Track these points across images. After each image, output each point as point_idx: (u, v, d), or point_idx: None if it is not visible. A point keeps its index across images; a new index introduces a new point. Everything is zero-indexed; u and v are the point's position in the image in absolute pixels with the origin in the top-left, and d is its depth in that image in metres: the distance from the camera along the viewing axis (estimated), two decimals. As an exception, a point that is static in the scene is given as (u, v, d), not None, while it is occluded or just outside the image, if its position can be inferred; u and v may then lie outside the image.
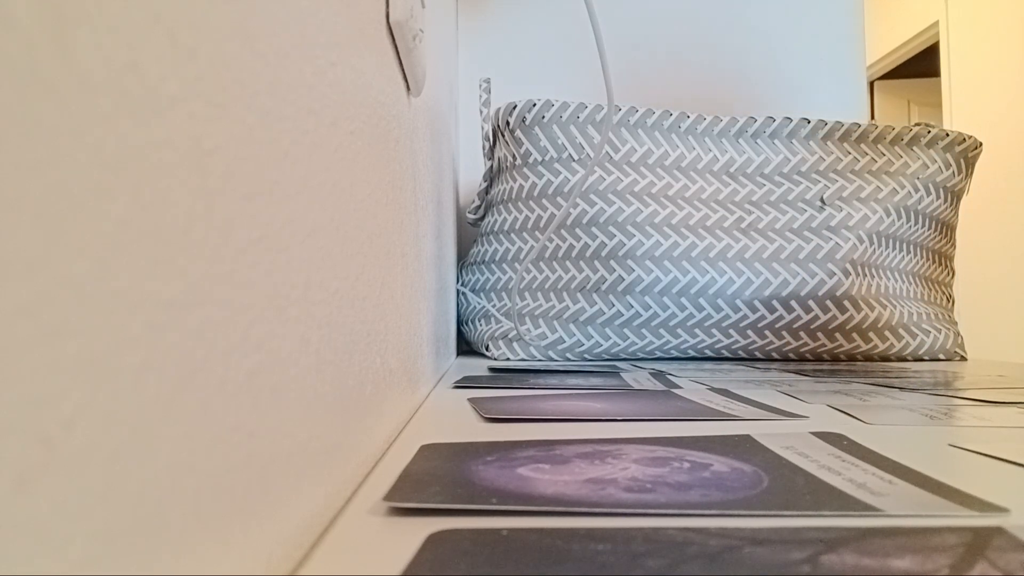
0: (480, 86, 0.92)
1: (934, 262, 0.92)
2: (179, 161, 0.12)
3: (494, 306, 0.85)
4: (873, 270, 0.83)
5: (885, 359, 0.84)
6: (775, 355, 0.82)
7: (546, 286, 0.82)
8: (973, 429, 0.35)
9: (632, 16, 1.10)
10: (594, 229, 0.80)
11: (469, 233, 1.08)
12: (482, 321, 0.85)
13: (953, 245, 0.95)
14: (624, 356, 0.82)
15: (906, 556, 0.17)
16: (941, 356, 0.87)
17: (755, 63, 1.11)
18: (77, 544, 0.09)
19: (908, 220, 0.86)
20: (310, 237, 0.19)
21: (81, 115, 0.09)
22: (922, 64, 3.45)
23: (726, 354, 0.82)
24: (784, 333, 0.81)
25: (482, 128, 0.90)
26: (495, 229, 0.88)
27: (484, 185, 0.91)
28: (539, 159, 0.83)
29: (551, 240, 0.82)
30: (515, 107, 0.84)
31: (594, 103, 0.87)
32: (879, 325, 0.82)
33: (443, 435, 0.31)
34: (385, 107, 0.32)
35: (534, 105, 0.83)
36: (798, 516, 0.20)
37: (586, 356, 0.81)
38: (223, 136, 0.14)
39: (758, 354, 0.82)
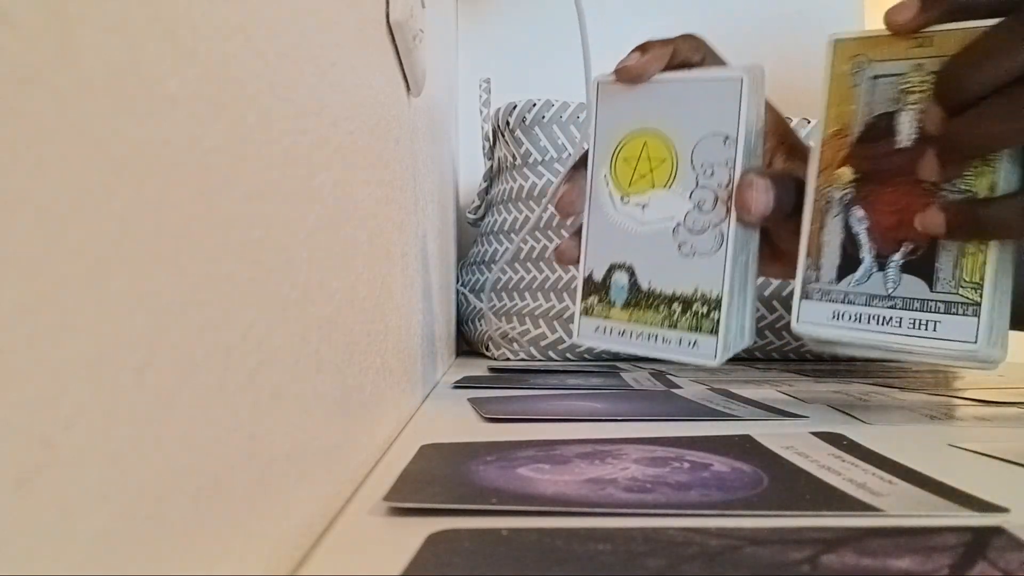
0: (480, 86, 0.92)
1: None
2: (179, 161, 0.12)
3: (493, 305, 0.85)
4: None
5: (885, 359, 0.84)
6: (775, 355, 0.82)
7: (546, 286, 0.82)
8: (973, 429, 0.35)
9: (628, 17, 1.10)
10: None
11: (469, 233, 1.08)
12: (482, 321, 0.85)
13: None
14: (624, 356, 0.82)
15: (906, 556, 0.17)
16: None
17: (749, 60, 1.11)
18: (77, 544, 0.09)
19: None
20: (310, 237, 0.19)
21: (81, 115, 0.09)
22: (922, 64, 3.45)
23: (726, 354, 0.82)
24: (784, 333, 0.81)
25: (482, 128, 0.90)
26: (495, 229, 0.88)
27: (484, 185, 0.92)
28: (539, 159, 0.83)
29: (551, 240, 0.82)
30: (515, 107, 0.84)
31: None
32: (879, 325, 0.82)
33: (443, 435, 0.31)
34: (385, 107, 0.32)
35: (534, 105, 0.83)
36: (798, 516, 0.20)
37: (586, 356, 0.81)
38: (223, 136, 0.14)
39: (758, 354, 0.82)
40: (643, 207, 0.40)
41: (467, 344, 0.93)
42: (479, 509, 0.20)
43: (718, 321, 0.38)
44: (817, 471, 0.25)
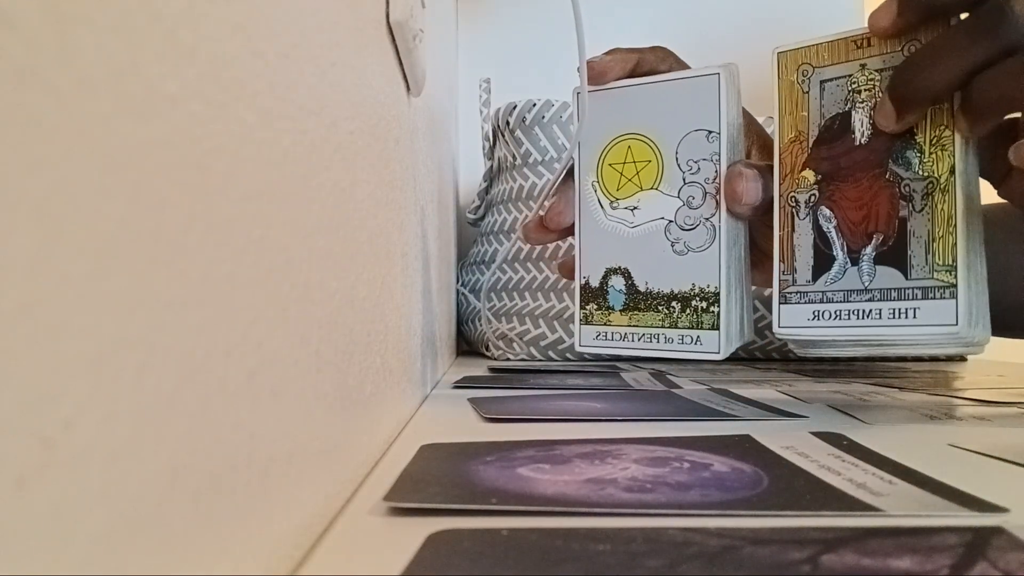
0: (480, 86, 0.92)
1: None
2: (179, 161, 0.12)
3: (494, 306, 0.85)
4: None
5: (885, 359, 0.84)
6: (775, 355, 0.82)
7: (546, 286, 0.82)
8: (973, 429, 0.35)
9: (626, 20, 1.10)
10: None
11: (469, 233, 1.08)
12: (482, 321, 0.85)
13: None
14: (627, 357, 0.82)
15: (906, 556, 0.17)
16: (941, 356, 0.87)
17: (752, 63, 1.11)
18: (77, 544, 0.09)
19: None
20: (310, 237, 0.19)
21: (81, 115, 0.09)
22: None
23: (726, 354, 0.82)
24: (784, 333, 0.81)
25: (482, 128, 0.91)
26: (495, 229, 0.88)
27: (484, 185, 0.92)
28: (539, 159, 0.83)
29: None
30: (515, 107, 0.84)
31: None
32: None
33: (443, 435, 0.31)
34: (385, 107, 0.32)
35: (534, 105, 0.83)
36: (798, 516, 0.20)
37: (586, 356, 0.81)
38: (223, 136, 0.14)
39: (758, 354, 0.82)
40: (633, 210, 0.41)
41: (467, 344, 0.93)
42: (479, 509, 0.20)
43: (718, 315, 0.38)
44: (817, 471, 0.25)
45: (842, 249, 0.36)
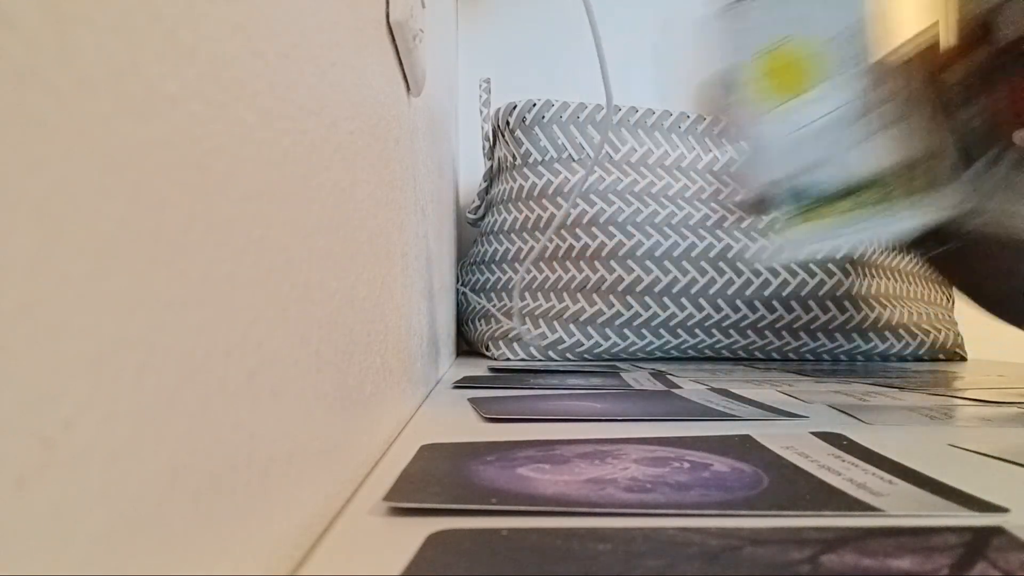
0: (480, 86, 0.92)
1: (934, 262, 0.92)
2: (179, 161, 0.12)
3: (494, 306, 0.85)
4: (872, 270, 0.83)
5: (885, 359, 0.84)
6: (775, 355, 0.82)
7: (546, 286, 0.82)
8: (973, 429, 0.35)
9: (631, 15, 1.10)
10: (594, 229, 0.80)
11: (469, 233, 1.08)
12: (482, 321, 0.85)
13: (953, 245, 0.94)
14: (624, 356, 0.82)
15: (906, 556, 0.17)
16: (941, 356, 0.87)
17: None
18: (77, 544, 0.09)
19: (908, 220, 0.86)
20: (310, 237, 0.19)
21: (81, 115, 0.09)
22: (922, 64, 3.44)
23: (726, 354, 0.82)
24: (784, 333, 0.81)
25: (482, 128, 0.91)
26: (495, 229, 0.88)
27: (484, 185, 0.92)
28: (539, 159, 0.83)
29: (551, 240, 0.82)
30: (515, 107, 0.84)
31: (594, 103, 0.87)
32: (879, 325, 0.82)
33: (443, 435, 0.31)
34: (385, 107, 0.32)
35: (534, 105, 0.83)
36: (798, 516, 0.20)
37: (586, 356, 0.81)
38: (223, 136, 0.14)
39: (758, 354, 0.82)
40: (801, 111, 0.41)
41: (467, 344, 0.93)
42: (479, 509, 0.20)
43: (937, 174, 0.39)
44: (817, 471, 0.25)
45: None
